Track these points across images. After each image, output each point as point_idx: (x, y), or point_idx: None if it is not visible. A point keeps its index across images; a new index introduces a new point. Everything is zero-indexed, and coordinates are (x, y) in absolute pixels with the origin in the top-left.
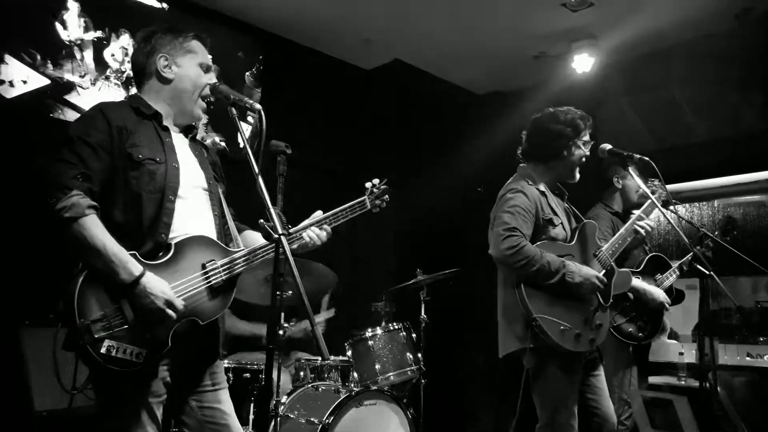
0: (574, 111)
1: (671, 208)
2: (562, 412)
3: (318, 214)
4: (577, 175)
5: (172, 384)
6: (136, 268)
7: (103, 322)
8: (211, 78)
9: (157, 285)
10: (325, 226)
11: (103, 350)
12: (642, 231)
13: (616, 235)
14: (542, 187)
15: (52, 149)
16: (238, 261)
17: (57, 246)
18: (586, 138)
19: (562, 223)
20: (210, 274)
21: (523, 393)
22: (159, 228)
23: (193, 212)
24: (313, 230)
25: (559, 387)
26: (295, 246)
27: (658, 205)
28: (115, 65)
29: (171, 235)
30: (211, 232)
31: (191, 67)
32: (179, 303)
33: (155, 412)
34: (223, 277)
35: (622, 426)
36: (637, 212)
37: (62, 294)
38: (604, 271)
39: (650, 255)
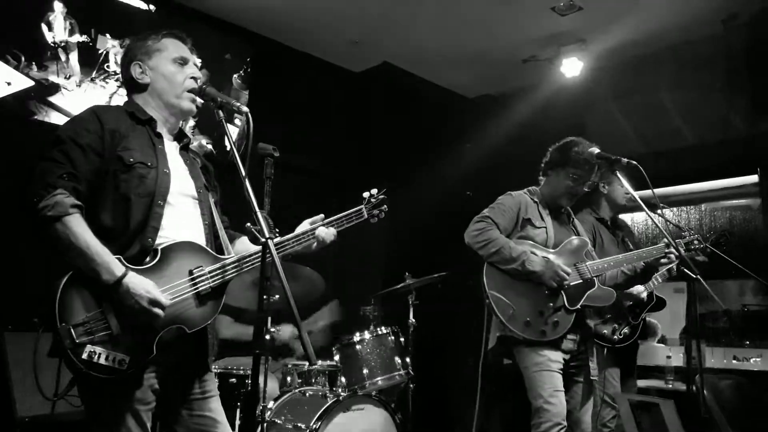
0: (590, 154)
1: (658, 211)
2: (543, 396)
3: (319, 218)
4: (564, 202)
5: (161, 392)
6: (118, 268)
7: (85, 326)
8: (192, 70)
9: (141, 284)
10: (330, 228)
11: (84, 356)
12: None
13: (613, 257)
14: (537, 198)
15: (39, 150)
16: (226, 268)
17: (41, 247)
18: (576, 172)
19: (545, 228)
20: (197, 280)
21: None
22: (146, 232)
23: (181, 219)
24: (321, 229)
25: (536, 374)
26: (299, 248)
27: (647, 210)
28: (113, 68)
29: (158, 241)
30: (200, 240)
31: (164, 64)
32: (165, 300)
33: (143, 420)
34: (211, 284)
35: (606, 428)
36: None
37: (46, 296)
38: (580, 281)
39: None
